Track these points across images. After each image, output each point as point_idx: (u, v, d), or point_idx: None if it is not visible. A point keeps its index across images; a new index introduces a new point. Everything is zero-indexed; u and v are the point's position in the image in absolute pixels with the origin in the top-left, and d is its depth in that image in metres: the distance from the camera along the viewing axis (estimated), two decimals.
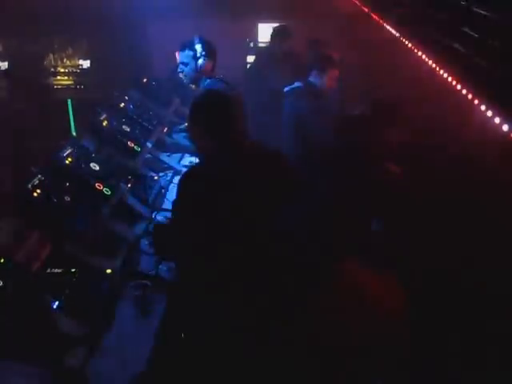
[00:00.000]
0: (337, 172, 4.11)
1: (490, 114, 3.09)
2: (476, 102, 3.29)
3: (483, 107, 3.18)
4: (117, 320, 3.24)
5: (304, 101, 5.10)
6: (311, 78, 5.18)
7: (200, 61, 4.40)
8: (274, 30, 6.61)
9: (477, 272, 3.17)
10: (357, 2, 7.15)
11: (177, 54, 4.67)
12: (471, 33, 3.55)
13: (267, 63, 6.43)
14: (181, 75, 4.63)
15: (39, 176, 3.62)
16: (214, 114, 3.02)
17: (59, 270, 3.25)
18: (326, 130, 4.71)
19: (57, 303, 3.00)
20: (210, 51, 4.45)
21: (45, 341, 2.78)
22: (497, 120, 2.98)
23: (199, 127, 3.07)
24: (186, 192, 2.98)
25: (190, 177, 3.03)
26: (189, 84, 4.80)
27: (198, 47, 4.42)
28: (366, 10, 6.60)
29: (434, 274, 3.54)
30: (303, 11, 7.91)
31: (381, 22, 5.95)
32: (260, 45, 8.07)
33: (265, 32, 8.16)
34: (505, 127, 2.88)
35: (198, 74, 4.47)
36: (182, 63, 4.55)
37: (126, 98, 5.46)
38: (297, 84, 5.24)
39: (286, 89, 5.31)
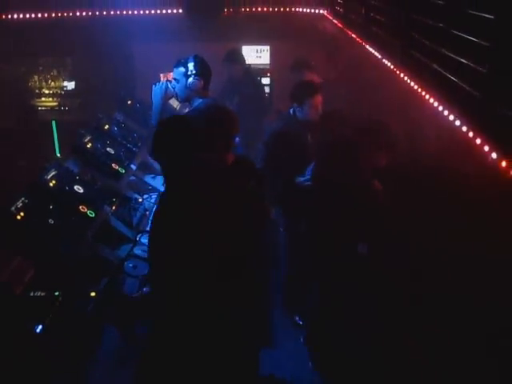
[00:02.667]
0: (322, 198, 4.13)
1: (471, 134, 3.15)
2: (458, 123, 3.34)
3: (465, 128, 3.23)
4: (103, 344, 3.23)
5: (283, 126, 5.08)
6: (293, 109, 5.04)
7: (190, 79, 4.40)
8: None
9: (465, 296, 3.19)
10: (340, 25, 7.24)
11: (161, 75, 4.69)
12: (452, 55, 3.61)
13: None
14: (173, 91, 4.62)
15: (23, 199, 3.60)
16: (173, 141, 3.08)
17: (43, 294, 3.23)
18: (302, 161, 4.64)
19: (40, 327, 2.97)
20: (201, 70, 4.43)
21: (28, 365, 2.76)
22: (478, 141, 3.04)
23: (162, 154, 3.13)
24: (158, 229, 3.04)
25: (158, 214, 3.09)
26: (180, 101, 4.81)
27: (191, 65, 4.41)
28: (349, 32, 6.69)
29: (419, 294, 3.57)
30: (287, 34, 7.99)
31: (361, 42, 6.03)
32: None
33: (249, 54, 8.25)
34: (486, 148, 2.94)
35: (188, 92, 4.46)
36: (175, 79, 4.56)
37: (111, 119, 5.47)
38: (291, 110, 5.15)
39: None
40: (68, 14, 8.02)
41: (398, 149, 4.12)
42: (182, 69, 4.45)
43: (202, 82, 4.44)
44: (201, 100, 4.44)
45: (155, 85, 4.55)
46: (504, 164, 2.74)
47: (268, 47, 8.41)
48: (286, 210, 5.04)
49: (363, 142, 4.08)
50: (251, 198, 3.35)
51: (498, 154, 2.83)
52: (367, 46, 5.76)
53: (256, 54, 8.42)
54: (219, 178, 3.20)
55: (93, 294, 3.41)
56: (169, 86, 4.55)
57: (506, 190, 2.70)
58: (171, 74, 4.62)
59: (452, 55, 3.61)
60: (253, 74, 7.33)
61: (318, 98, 4.93)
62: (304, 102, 4.89)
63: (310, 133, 4.95)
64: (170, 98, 4.67)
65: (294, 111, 5.03)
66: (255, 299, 3.49)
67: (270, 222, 4.64)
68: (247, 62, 7.37)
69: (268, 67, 8.39)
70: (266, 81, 8.27)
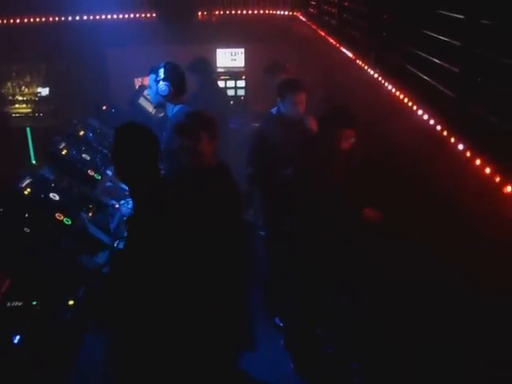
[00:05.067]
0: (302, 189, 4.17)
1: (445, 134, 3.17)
2: (432, 122, 3.37)
3: (439, 127, 3.26)
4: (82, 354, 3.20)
5: (269, 126, 5.09)
6: (278, 106, 5.05)
7: (160, 85, 4.41)
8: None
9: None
10: (314, 27, 7.27)
11: (135, 80, 4.67)
12: (427, 56, 3.64)
13: None
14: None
15: None
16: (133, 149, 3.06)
17: (20, 303, 3.19)
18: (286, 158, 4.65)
19: (18, 337, 2.94)
20: (171, 76, 4.42)
21: (5, 377, 2.73)
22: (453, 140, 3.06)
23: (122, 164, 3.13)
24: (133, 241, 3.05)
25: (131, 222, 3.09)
26: (155, 107, 4.80)
27: (161, 71, 4.42)
28: (323, 33, 6.71)
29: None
30: (261, 37, 8.00)
31: (335, 43, 6.06)
32: (219, 69, 8.13)
33: (223, 57, 8.26)
34: (460, 146, 2.96)
35: (159, 98, 4.46)
36: (149, 86, 4.58)
37: (86, 125, 5.43)
38: (273, 110, 5.17)
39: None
40: (41, 19, 7.96)
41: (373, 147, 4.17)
42: (153, 75, 4.48)
43: (172, 88, 4.43)
44: (175, 107, 4.44)
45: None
46: (479, 162, 2.77)
47: (243, 50, 8.41)
48: (270, 207, 5.06)
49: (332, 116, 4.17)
50: (226, 202, 3.36)
51: (472, 153, 2.87)
52: (341, 48, 5.79)
53: (231, 57, 8.44)
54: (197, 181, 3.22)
55: (71, 302, 3.38)
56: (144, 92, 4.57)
57: (480, 188, 2.72)
58: (147, 78, 4.63)
59: (425, 55, 3.64)
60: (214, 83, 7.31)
61: (300, 96, 4.91)
62: (285, 96, 4.91)
63: (293, 131, 4.92)
64: None
65: (278, 108, 5.05)
66: (234, 301, 3.50)
67: (247, 224, 4.66)
68: (222, 65, 7.39)
69: (243, 70, 8.40)
70: (241, 83, 8.30)
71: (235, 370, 3.52)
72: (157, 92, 4.45)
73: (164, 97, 4.44)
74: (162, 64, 4.48)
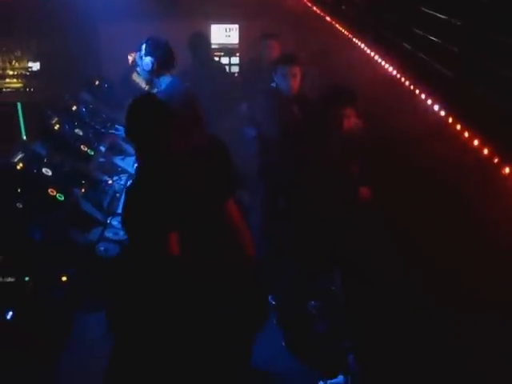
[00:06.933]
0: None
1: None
2: (430, 102, 3.34)
3: (436, 107, 3.23)
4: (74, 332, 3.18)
5: (265, 101, 5.04)
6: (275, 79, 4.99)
7: (143, 60, 4.40)
8: None
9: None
10: (309, 4, 7.20)
11: (128, 55, 4.65)
12: (421, 32, 3.60)
13: None
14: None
15: None
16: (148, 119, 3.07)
17: (12, 279, 3.16)
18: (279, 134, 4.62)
19: (10, 313, 2.92)
20: (153, 49, 4.40)
21: None
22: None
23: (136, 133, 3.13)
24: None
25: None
26: (146, 84, 4.79)
27: (143, 47, 4.42)
28: (318, 10, 6.64)
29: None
30: (256, 13, 7.91)
31: (331, 21, 6.00)
32: (213, 46, 8.05)
33: (217, 33, 8.17)
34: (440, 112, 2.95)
35: (145, 73, 4.45)
36: (136, 63, 4.58)
37: (78, 100, 5.37)
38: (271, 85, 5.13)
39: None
40: None
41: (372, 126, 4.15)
42: (138, 52, 4.46)
43: (156, 63, 4.41)
44: (163, 80, 4.42)
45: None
46: (476, 143, 2.75)
47: (237, 26, 8.32)
48: (266, 185, 5.04)
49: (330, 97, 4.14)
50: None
51: (470, 133, 2.85)
52: (337, 26, 5.74)
53: (225, 33, 8.34)
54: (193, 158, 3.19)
55: (64, 278, 3.36)
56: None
57: (478, 170, 2.71)
58: None
59: (423, 34, 3.61)
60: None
61: (292, 69, 4.89)
62: (276, 69, 4.89)
63: (295, 105, 4.90)
64: None
65: (275, 83, 5.01)
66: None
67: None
68: (216, 42, 7.32)
69: (237, 47, 8.32)
70: (235, 60, 8.23)
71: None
72: (142, 68, 4.45)
73: (149, 72, 4.43)
74: (147, 40, 4.47)
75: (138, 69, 4.62)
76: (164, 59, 4.45)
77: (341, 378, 4.06)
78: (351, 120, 4.08)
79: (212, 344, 3.01)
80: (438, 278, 3.14)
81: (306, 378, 4.17)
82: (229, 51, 8.19)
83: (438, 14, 3.37)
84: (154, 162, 3.03)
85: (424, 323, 3.25)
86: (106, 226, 4.08)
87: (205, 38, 6.81)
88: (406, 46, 3.94)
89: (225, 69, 7.54)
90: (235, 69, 8.15)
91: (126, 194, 3.13)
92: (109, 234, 4.04)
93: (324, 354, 4.16)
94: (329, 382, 4.08)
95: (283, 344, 4.35)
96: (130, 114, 3.11)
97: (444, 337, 3.06)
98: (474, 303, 2.76)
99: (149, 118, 3.05)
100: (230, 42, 8.30)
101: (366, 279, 3.85)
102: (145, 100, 3.22)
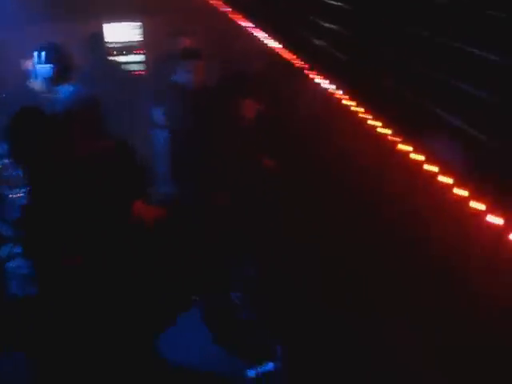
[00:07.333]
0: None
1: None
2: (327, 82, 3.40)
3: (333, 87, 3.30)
4: None
5: (170, 96, 4.98)
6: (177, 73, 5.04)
7: (42, 67, 4.30)
8: None
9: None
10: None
11: (22, 62, 4.53)
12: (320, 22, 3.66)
13: None
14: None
15: None
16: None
17: None
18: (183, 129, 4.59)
19: None
20: (52, 57, 4.32)
21: None
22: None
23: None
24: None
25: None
26: (46, 90, 4.69)
27: (42, 54, 4.32)
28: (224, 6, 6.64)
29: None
30: (160, 9, 7.81)
31: (233, 14, 6.02)
32: (114, 44, 7.90)
33: (111, 31, 8.02)
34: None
35: (45, 81, 4.35)
36: (34, 69, 4.46)
37: None
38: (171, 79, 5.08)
39: None
40: None
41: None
42: (36, 58, 4.35)
43: (56, 70, 4.31)
44: (64, 88, 4.33)
45: None
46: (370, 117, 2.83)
47: (141, 23, 8.20)
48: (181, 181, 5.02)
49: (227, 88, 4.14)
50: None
51: (365, 110, 2.92)
52: (239, 19, 5.77)
53: (129, 31, 8.20)
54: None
55: None
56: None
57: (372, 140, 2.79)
58: None
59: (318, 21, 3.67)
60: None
61: (195, 64, 4.93)
62: (180, 64, 4.89)
63: (199, 98, 4.87)
64: None
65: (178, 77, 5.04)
66: None
67: None
68: (118, 40, 7.19)
69: (141, 44, 8.20)
70: (139, 58, 8.11)
71: None
72: (41, 75, 4.34)
73: (49, 79, 4.33)
74: (43, 45, 4.36)
75: (34, 76, 4.49)
76: (63, 66, 4.38)
77: (270, 364, 4.09)
78: (251, 108, 4.10)
79: None
80: (354, 262, 3.20)
81: (236, 368, 4.19)
82: (131, 49, 8.07)
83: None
84: (48, 170, 2.97)
85: (345, 306, 3.31)
86: (14, 241, 3.94)
87: (100, 38, 6.70)
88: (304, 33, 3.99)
89: (123, 67, 7.45)
90: (138, 66, 8.05)
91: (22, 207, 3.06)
92: (19, 249, 3.90)
93: (251, 342, 4.18)
94: (259, 369, 4.11)
95: (210, 338, 4.34)
96: (10, 135, 3.05)
97: (365, 320, 3.13)
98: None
99: (30, 137, 2.99)
100: (135, 40, 8.18)
101: (283, 265, 3.89)
102: (21, 120, 3.17)
